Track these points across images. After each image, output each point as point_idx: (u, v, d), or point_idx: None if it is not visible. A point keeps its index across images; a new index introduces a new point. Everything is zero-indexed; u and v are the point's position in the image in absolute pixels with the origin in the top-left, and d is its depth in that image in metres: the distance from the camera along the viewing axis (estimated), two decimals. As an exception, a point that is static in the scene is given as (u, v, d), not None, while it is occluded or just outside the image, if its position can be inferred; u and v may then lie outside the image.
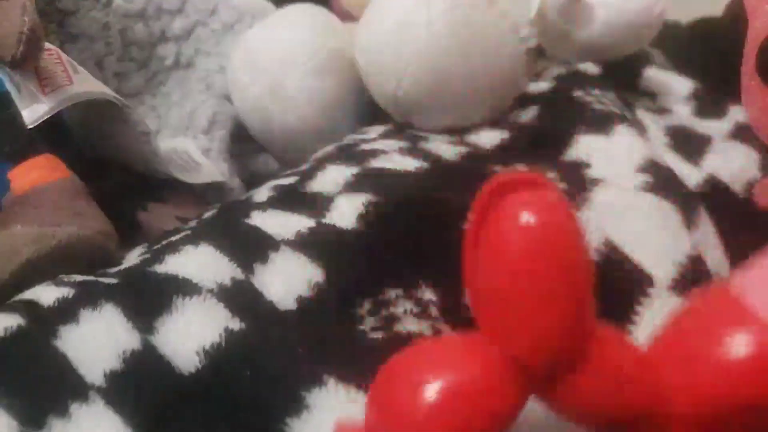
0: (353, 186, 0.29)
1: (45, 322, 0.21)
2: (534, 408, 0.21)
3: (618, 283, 0.24)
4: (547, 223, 0.14)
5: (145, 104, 0.42)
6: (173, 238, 0.27)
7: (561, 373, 0.16)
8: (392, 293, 0.24)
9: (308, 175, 0.31)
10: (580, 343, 0.15)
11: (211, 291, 0.22)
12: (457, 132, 0.37)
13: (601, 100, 0.37)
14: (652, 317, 0.23)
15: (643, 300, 0.23)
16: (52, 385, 0.20)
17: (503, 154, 0.33)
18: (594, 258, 0.25)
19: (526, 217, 0.14)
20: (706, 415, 0.15)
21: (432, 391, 0.15)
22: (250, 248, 0.25)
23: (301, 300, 0.24)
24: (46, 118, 0.29)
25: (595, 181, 0.29)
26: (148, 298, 0.22)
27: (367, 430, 0.17)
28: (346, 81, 0.39)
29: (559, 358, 0.15)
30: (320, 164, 0.32)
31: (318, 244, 0.26)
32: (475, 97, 0.36)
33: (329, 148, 0.36)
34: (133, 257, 0.28)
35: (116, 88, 0.40)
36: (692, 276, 0.25)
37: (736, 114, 0.40)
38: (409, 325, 0.23)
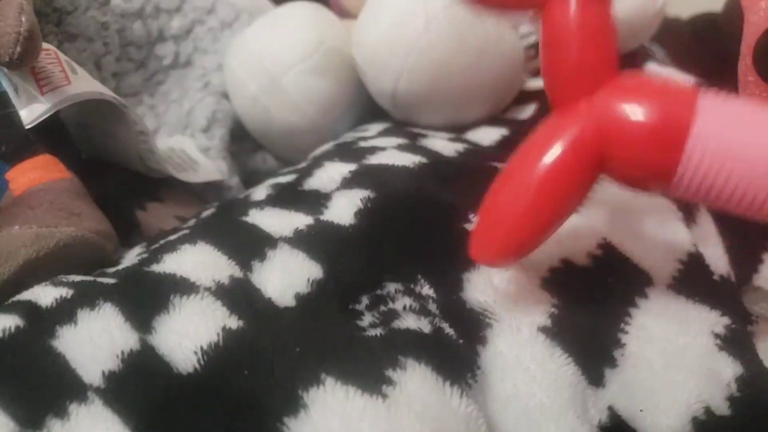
0: (351, 182, 0.29)
1: (43, 323, 0.21)
2: (533, 398, 0.21)
3: (617, 282, 0.24)
4: None
5: (143, 104, 0.42)
6: (171, 238, 0.27)
7: None
8: (391, 288, 0.24)
9: (306, 173, 0.31)
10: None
11: (209, 289, 0.22)
12: (456, 129, 0.37)
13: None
14: (651, 317, 0.23)
15: (642, 299, 0.23)
16: (51, 385, 0.20)
17: (502, 151, 0.33)
18: (592, 256, 0.25)
19: None
20: None
21: None
22: (249, 246, 0.25)
23: (299, 297, 0.24)
24: (44, 118, 0.29)
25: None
26: (146, 298, 0.22)
27: None
28: (345, 79, 0.39)
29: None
30: (318, 162, 0.32)
31: (316, 240, 0.25)
32: (473, 95, 0.36)
33: (328, 146, 0.36)
34: (131, 257, 0.28)
35: (114, 88, 0.40)
36: (692, 274, 0.25)
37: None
38: (409, 321, 0.22)
